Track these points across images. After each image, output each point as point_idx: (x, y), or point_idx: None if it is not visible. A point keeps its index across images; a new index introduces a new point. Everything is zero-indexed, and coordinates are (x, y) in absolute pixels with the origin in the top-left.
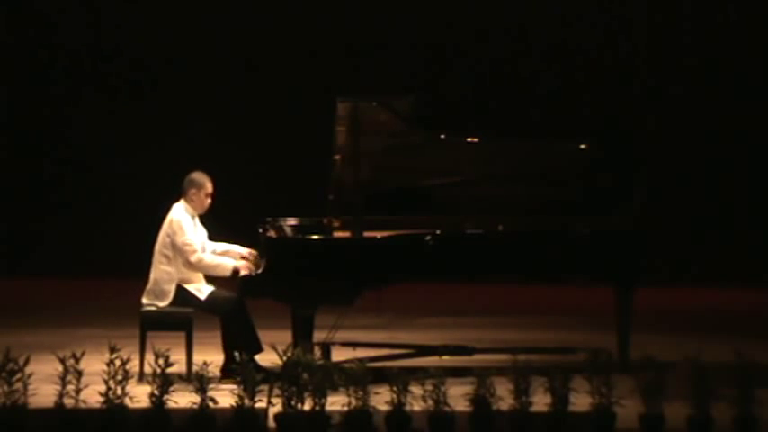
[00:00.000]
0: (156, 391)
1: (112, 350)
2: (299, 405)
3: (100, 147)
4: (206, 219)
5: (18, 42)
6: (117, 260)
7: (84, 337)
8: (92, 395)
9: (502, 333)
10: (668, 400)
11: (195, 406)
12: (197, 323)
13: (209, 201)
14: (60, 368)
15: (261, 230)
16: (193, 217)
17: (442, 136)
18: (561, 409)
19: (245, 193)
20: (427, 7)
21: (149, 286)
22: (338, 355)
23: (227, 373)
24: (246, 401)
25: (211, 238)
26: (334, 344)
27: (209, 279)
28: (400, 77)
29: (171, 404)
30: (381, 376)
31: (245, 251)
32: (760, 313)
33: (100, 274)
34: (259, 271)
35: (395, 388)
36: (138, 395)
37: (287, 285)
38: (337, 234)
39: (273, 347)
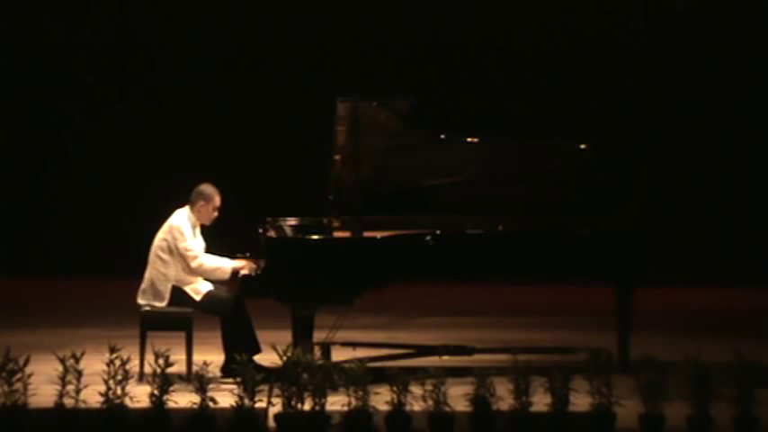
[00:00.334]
0: (156, 391)
1: (112, 350)
2: (299, 405)
3: (100, 147)
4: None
5: (18, 43)
6: (117, 260)
7: (84, 337)
8: (92, 395)
9: (502, 333)
10: (668, 400)
11: (195, 406)
12: (197, 323)
13: (215, 214)
14: (60, 368)
15: (261, 230)
16: (195, 226)
17: (442, 136)
18: (561, 409)
19: (245, 193)
20: (427, 7)
21: (144, 286)
22: (338, 355)
23: (227, 372)
24: (246, 401)
25: (211, 239)
26: (334, 344)
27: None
28: (400, 77)
29: (171, 404)
30: (381, 376)
31: (238, 264)
32: (760, 313)
33: (100, 274)
34: (259, 271)
35: (395, 388)
36: (138, 395)
37: (287, 285)
38: (337, 234)
39: (273, 347)
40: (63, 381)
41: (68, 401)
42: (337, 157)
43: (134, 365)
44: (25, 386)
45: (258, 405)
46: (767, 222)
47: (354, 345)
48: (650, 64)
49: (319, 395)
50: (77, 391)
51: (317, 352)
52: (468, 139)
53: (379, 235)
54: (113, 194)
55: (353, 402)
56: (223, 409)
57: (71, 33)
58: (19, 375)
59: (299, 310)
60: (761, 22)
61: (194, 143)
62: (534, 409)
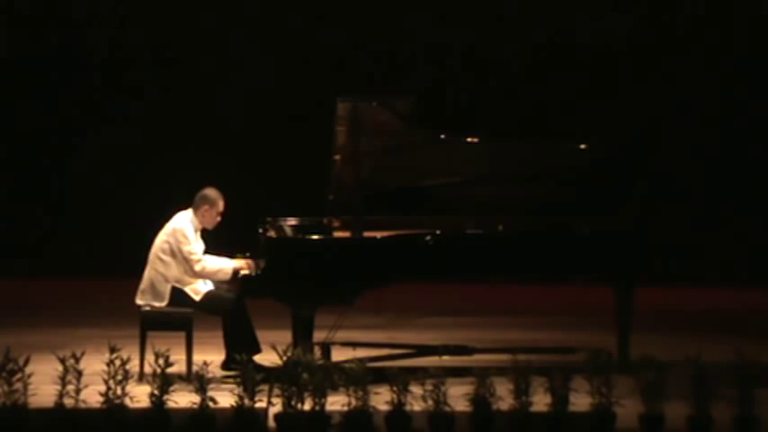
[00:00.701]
0: (156, 391)
1: (112, 350)
2: (299, 405)
3: (100, 148)
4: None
5: (19, 44)
6: (117, 260)
7: (84, 337)
8: (92, 395)
9: (502, 333)
10: (668, 400)
11: (195, 406)
12: (197, 323)
13: (218, 219)
14: (60, 368)
15: (261, 230)
16: (197, 230)
17: (442, 136)
18: (561, 409)
19: (246, 193)
20: (426, 7)
21: (143, 286)
22: (338, 355)
23: (228, 368)
24: (246, 401)
25: (211, 239)
26: (334, 344)
27: None
28: (400, 77)
29: (171, 404)
30: (381, 376)
31: (238, 264)
32: (760, 313)
33: (100, 274)
34: (259, 271)
35: (395, 388)
36: (138, 395)
37: (287, 285)
38: (337, 234)
39: (273, 347)
40: (63, 381)
41: (68, 401)
42: (337, 157)
43: (134, 365)
44: (25, 386)
45: (258, 405)
46: (767, 222)
47: (354, 345)
48: (650, 64)
49: (319, 395)
50: (77, 391)
51: (317, 352)
52: (468, 139)
53: (379, 235)
54: (114, 195)
55: (353, 402)
56: (223, 409)
57: (73, 38)
58: (19, 375)
59: (299, 310)
60: (761, 22)
61: (194, 144)
62: (534, 409)
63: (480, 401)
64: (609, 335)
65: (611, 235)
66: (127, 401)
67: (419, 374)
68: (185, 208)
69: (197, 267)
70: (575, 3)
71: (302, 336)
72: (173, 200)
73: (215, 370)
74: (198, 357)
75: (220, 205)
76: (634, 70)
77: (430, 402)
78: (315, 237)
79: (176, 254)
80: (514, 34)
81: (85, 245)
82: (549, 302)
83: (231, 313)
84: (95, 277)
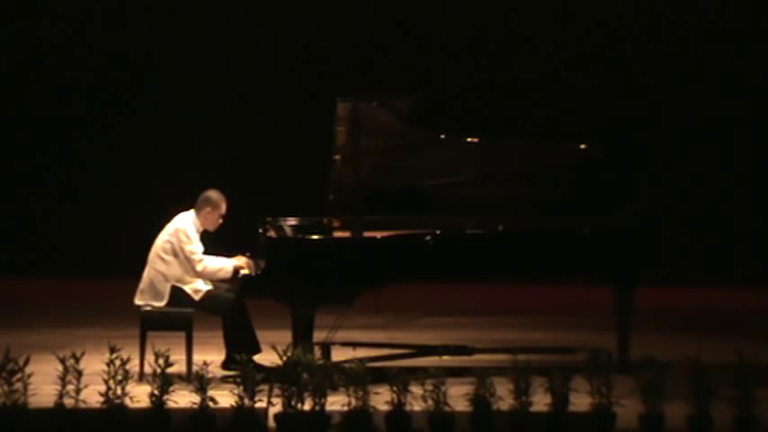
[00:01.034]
0: (156, 391)
1: (112, 350)
2: (299, 405)
3: (100, 148)
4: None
5: (19, 45)
6: (117, 260)
7: (84, 337)
8: (92, 395)
9: (502, 333)
10: (668, 400)
11: (195, 406)
12: (197, 323)
13: (220, 221)
14: (60, 368)
15: (261, 230)
16: (198, 231)
17: (442, 136)
18: (561, 409)
19: (246, 193)
20: (426, 7)
21: (143, 286)
22: (338, 355)
23: (228, 367)
24: (246, 401)
25: (211, 239)
26: (334, 344)
27: None
28: (400, 78)
29: (171, 404)
30: (381, 376)
31: (238, 263)
32: (760, 313)
33: (100, 274)
34: (259, 271)
35: (395, 388)
36: (138, 395)
37: (287, 285)
38: (337, 234)
39: (273, 347)
40: (63, 381)
41: (68, 401)
42: (337, 157)
43: (134, 365)
44: (25, 386)
45: (258, 405)
46: (767, 222)
47: (354, 345)
48: (650, 64)
49: (319, 395)
50: (77, 391)
51: (317, 352)
52: (469, 139)
53: (379, 235)
54: (114, 194)
55: (353, 402)
56: (223, 409)
57: (74, 38)
58: (19, 375)
59: (299, 310)
60: (761, 21)
61: (194, 144)
62: (534, 409)
63: (480, 401)
64: (609, 335)
65: (610, 235)
66: (127, 401)
67: (419, 374)
68: (186, 208)
69: (198, 267)
70: (575, 1)
71: (302, 336)
72: (173, 200)
73: (215, 370)
74: (198, 357)
75: (223, 208)
76: (634, 70)
77: (430, 402)
78: (315, 237)
79: (178, 253)
80: (513, 33)
81: (85, 245)
82: (549, 302)
83: (231, 313)
84: (95, 277)
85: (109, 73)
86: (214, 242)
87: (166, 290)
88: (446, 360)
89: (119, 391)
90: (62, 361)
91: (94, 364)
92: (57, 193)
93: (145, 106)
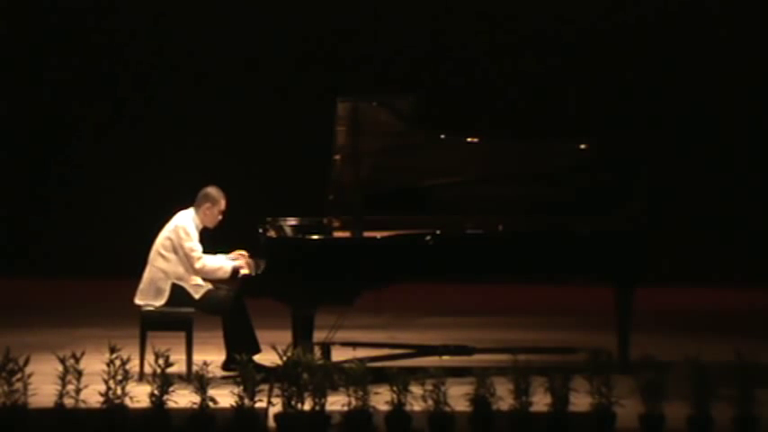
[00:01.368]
0: (156, 391)
1: (112, 350)
2: (299, 405)
3: (101, 148)
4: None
5: (19, 45)
6: (117, 260)
7: (84, 337)
8: (92, 395)
9: (502, 333)
10: (668, 400)
11: (195, 406)
12: (197, 323)
13: (220, 217)
14: (60, 368)
15: (261, 230)
16: (197, 228)
17: (442, 136)
18: (561, 409)
19: (245, 194)
20: (425, 6)
21: (143, 285)
22: (338, 355)
23: (228, 368)
24: (246, 401)
25: (211, 239)
26: (334, 344)
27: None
28: (400, 77)
29: (171, 404)
30: (381, 376)
31: (238, 263)
32: (760, 313)
33: (100, 274)
34: (259, 271)
35: (395, 388)
36: (138, 395)
37: (287, 285)
38: (337, 234)
39: (273, 347)
40: (63, 381)
41: (68, 401)
42: (337, 157)
43: (134, 365)
44: (25, 386)
45: (258, 405)
46: (767, 222)
47: (354, 345)
48: (650, 63)
49: (319, 395)
50: (77, 391)
51: (317, 352)
52: (468, 140)
53: (379, 235)
54: (114, 194)
55: (353, 402)
56: (223, 409)
57: (74, 39)
58: (19, 375)
59: (299, 310)
60: (761, 22)
61: (194, 144)
62: (534, 409)
63: (480, 401)
64: (609, 335)
65: (611, 235)
66: (127, 401)
67: (419, 374)
68: (186, 207)
69: (197, 265)
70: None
71: (302, 336)
72: (173, 199)
73: (215, 370)
74: (198, 357)
75: (222, 204)
76: (633, 70)
77: (430, 402)
78: (315, 237)
79: (177, 250)
80: (513, 33)
81: (85, 245)
82: (549, 302)
83: (231, 313)
84: (95, 277)
85: (109, 72)
86: (213, 242)
87: (167, 288)
88: (446, 360)
89: (119, 391)
90: (62, 361)
91: (94, 364)
92: (56, 194)
93: (145, 106)
